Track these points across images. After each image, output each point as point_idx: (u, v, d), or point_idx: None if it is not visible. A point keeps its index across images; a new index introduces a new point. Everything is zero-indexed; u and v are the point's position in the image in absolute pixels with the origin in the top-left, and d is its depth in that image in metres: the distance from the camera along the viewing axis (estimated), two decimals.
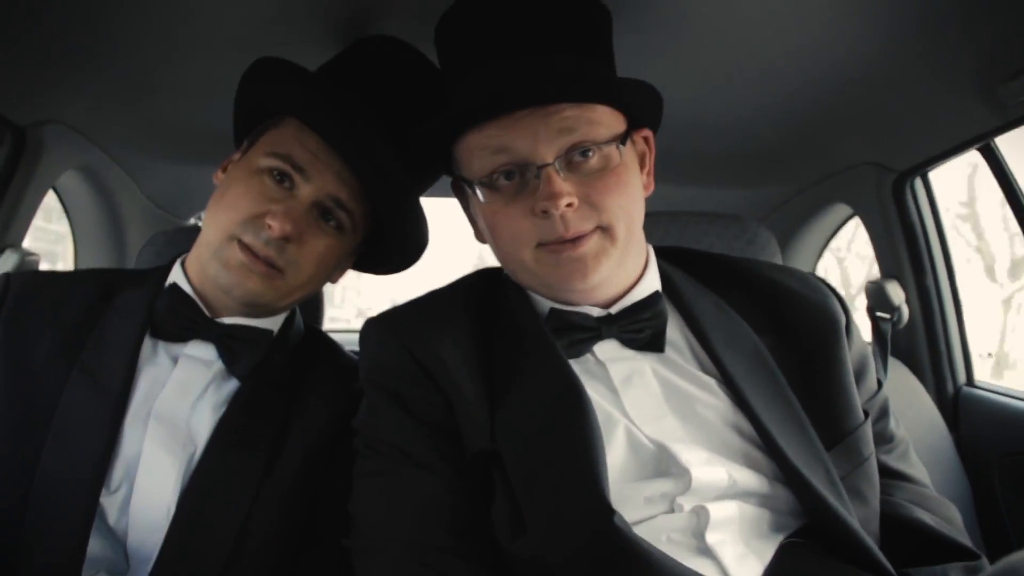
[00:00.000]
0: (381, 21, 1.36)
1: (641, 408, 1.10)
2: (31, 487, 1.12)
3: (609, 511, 0.97)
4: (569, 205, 1.07)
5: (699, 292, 1.22)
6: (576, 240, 1.09)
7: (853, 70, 1.30)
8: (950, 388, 1.96)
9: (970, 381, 1.97)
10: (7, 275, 1.29)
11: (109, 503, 1.15)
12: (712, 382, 1.13)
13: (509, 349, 1.16)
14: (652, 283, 1.20)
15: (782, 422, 1.08)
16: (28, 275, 1.33)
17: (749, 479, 1.06)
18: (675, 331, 1.18)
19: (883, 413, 1.23)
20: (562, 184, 1.07)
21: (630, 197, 1.13)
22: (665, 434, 1.08)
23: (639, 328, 1.16)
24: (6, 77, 1.58)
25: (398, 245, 1.39)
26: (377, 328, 1.20)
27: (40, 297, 1.26)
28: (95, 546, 1.13)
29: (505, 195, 1.12)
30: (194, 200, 2.74)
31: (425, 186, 1.39)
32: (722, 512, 1.03)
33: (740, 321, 1.19)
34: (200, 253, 1.26)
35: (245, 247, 1.20)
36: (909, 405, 1.78)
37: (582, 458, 1.02)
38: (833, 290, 1.26)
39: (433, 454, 1.11)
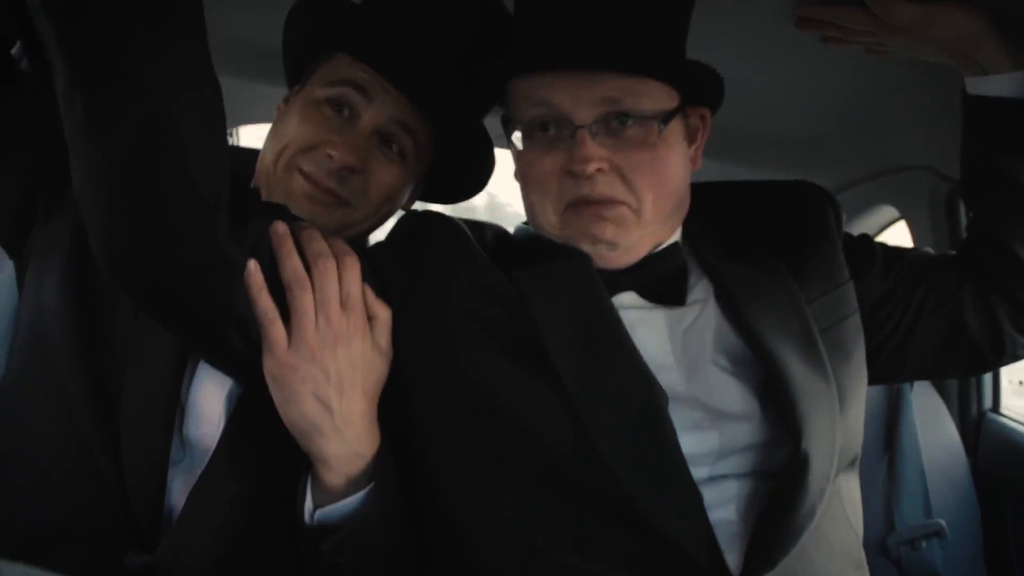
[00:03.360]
0: None
1: (645, 355, 1.08)
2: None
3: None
4: (599, 170, 1.06)
5: (723, 246, 1.21)
6: (601, 203, 1.08)
7: (921, 63, 1.24)
8: (974, 412, 1.89)
9: (996, 407, 1.91)
10: None
11: None
12: (735, 338, 1.12)
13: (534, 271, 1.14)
14: (674, 237, 1.19)
15: (805, 373, 1.09)
16: None
17: (743, 434, 1.07)
18: (703, 287, 1.17)
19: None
20: (594, 148, 1.05)
21: (664, 175, 1.11)
22: (665, 387, 1.06)
23: (657, 279, 1.14)
24: None
25: (463, 170, 1.39)
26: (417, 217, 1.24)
27: None
28: None
29: (540, 145, 1.11)
30: (232, 114, 2.70)
31: (485, 109, 1.35)
32: (712, 495, 1.03)
33: (767, 265, 1.18)
34: (262, 185, 1.25)
35: (307, 176, 1.19)
36: (930, 425, 1.73)
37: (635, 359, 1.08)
38: (820, 192, 1.31)
39: None
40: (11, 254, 1.31)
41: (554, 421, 1.04)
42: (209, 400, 1.16)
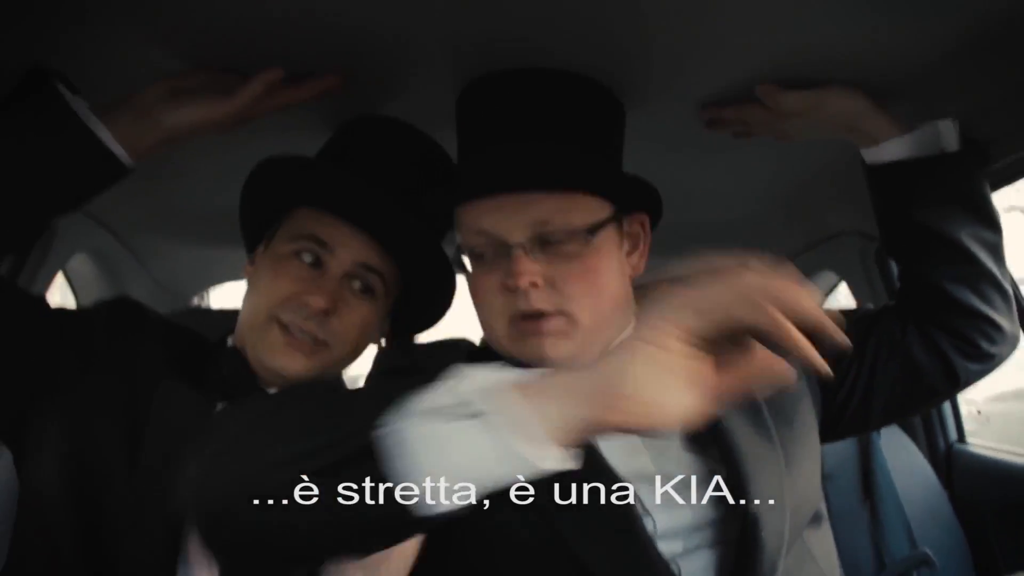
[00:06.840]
0: (384, 105, 1.38)
1: (612, 443, 1.11)
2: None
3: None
4: (534, 284, 1.10)
5: None
6: (535, 317, 1.12)
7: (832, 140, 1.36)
8: (942, 445, 1.99)
9: (961, 438, 2.01)
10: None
11: None
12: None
13: None
14: (627, 334, 1.20)
15: (749, 437, 1.13)
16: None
17: (710, 506, 1.11)
18: None
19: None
20: (527, 263, 1.10)
21: (596, 283, 1.14)
22: (636, 470, 1.10)
23: None
24: None
25: (428, 299, 1.44)
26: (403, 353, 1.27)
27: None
28: None
29: (485, 266, 1.17)
30: (198, 281, 2.81)
31: (442, 237, 1.41)
32: (690, 566, 1.07)
33: None
34: (244, 338, 1.30)
35: (284, 327, 1.25)
36: (904, 463, 1.82)
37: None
38: None
39: None
40: (7, 442, 1.32)
41: (529, 526, 1.06)
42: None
